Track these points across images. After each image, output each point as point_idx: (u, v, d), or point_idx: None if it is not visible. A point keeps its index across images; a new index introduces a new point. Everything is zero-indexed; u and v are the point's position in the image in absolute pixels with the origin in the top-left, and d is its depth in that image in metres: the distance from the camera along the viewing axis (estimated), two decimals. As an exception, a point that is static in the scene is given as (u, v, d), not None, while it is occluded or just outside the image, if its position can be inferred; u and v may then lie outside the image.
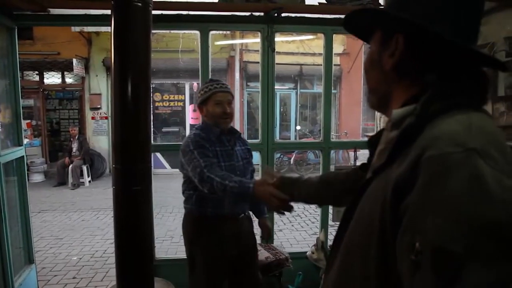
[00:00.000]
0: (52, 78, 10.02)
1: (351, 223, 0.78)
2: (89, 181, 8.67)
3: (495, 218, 0.55)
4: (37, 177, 8.89)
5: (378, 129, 3.32)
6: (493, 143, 0.61)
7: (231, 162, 2.12)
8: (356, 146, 3.40)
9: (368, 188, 0.75)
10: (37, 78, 9.87)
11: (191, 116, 10.30)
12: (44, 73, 9.83)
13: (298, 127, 10.77)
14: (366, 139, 3.53)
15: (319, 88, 10.07)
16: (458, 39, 0.69)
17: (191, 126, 10.36)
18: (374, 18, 0.82)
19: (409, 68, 0.74)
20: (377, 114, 3.39)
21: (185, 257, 3.37)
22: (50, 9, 2.77)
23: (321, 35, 3.13)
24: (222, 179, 1.85)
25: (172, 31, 7.64)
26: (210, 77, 3.06)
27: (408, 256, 0.59)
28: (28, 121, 9.28)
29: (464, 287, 0.53)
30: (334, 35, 3.10)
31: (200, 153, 1.97)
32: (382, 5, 2.93)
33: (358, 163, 3.31)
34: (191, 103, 10.34)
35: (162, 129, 10.56)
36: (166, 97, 10.47)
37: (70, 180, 8.20)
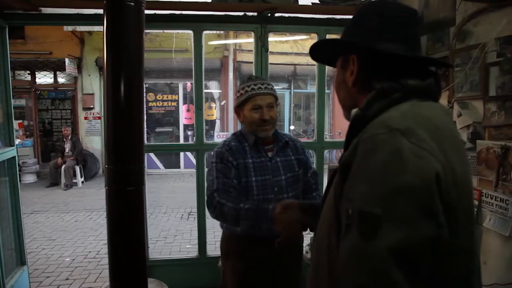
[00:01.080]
0: (44, 78, 9.95)
1: (323, 206, 0.91)
2: (82, 182, 8.62)
3: (408, 184, 0.65)
4: (29, 178, 8.81)
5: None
6: (423, 124, 0.73)
7: (266, 176, 1.82)
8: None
9: (335, 175, 0.87)
10: (29, 77, 9.80)
11: (185, 116, 10.28)
12: (36, 72, 9.75)
13: (292, 127, 10.78)
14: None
15: (312, 88, 10.09)
16: (399, 50, 0.84)
17: (185, 126, 10.34)
18: (333, 45, 1.00)
19: (365, 80, 0.88)
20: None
21: (179, 257, 3.39)
22: (42, 8, 2.75)
23: (315, 35, 3.14)
24: (234, 203, 1.67)
25: (165, 31, 7.61)
26: (203, 77, 3.06)
27: (344, 221, 0.71)
28: (20, 121, 9.20)
29: (378, 242, 0.64)
30: (327, 35, 3.11)
31: (219, 170, 1.79)
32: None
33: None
34: (184, 103, 10.31)
35: (156, 129, 10.53)
36: (159, 97, 10.43)
37: (63, 180, 8.14)
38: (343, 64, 0.94)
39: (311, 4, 2.85)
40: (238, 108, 1.88)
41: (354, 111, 0.89)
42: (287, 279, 1.88)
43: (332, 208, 0.80)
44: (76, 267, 4.00)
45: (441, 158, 0.70)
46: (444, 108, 0.88)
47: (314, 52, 1.05)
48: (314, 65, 3.21)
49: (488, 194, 2.08)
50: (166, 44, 8.74)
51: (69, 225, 5.55)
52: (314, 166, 3.38)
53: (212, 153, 1.91)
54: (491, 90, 2.08)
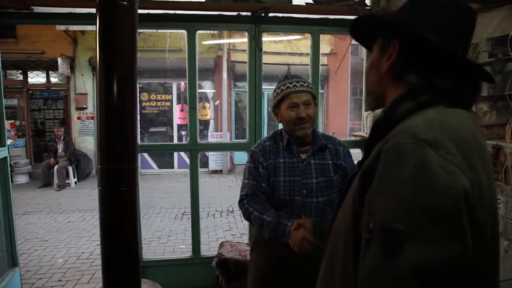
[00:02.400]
0: (36, 78, 9.85)
1: (339, 212, 0.87)
2: (75, 182, 8.56)
3: (436, 202, 0.62)
4: (21, 179, 8.72)
5: (365, 128, 3.36)
6: (449, 135, 0.68)
7: (295, 178, 1.79)
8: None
9: (353, 181, 0.82)
10: (20, 77, 9.70)
11: (179, 116, 10.25)
12: (28, 72, 9.65)
13: (286, 127, 10.78)
14: (353, 138, 3.57)
15: (306, 88, 10.09)
16: (448, 48, 0.76)
17: (179, 126, 10.32)
18: (376, 25, 0.90)
19: (400, 70, 0.82)
20: (364, 114, 3.42)
21: (173, 258, 3.38)
22: (34, 7, 2.73)
23: (309, 35, 3.15)
24: (260, 212, 1.73)
25: (159, 31, 7.58)
26: (197, 76, 3.05)
27: (365, 235, 0.68)
28: (12, 121, 9.12)
29: (402, 261, 0.61)
30: (321, 36, 3.12)
31: (251, 172, 1.83)
32: (368, 6, 2.96)
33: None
34: (178, 103, 10.28)
35: (149, 129, 10.49)
36: (153, 97, 10.39)
37: (56, 181, 8.08)
38: (382, 47, 0.86)
39: (304, 4, 2.85)
40: (275, 108, 1.86)
41: (377, 112, 0.85)
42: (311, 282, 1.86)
43: (350, 216, 0.77)
44: (69, 268, 3.97)
45: (469, 174, 0.66)
46: (472, 115, 0.80)
47: (356, 27, 0.96)
48: (308, 65, 3.21)
49: (480, 193, 2.09)
50: (160, 44, 8.72)
51: (62, 226, 5.50)
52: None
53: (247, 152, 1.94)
54: (483, 90, 2.10)
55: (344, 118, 10.54)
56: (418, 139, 0.66)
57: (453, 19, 0.80)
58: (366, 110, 3.43)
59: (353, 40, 1.04)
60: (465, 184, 0.64)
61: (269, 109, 1.95)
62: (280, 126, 1.92)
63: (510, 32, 1.88)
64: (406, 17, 0.83)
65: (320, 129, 10.12)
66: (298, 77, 1.85)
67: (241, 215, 1.88)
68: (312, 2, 2.87)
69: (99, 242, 1.88)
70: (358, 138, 3.44)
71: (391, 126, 0.74)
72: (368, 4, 3.00)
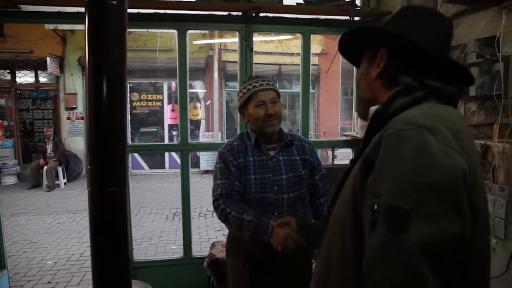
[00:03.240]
0: (24, 77, 9.72)
1: (336, 202, 0.90)
2: (65, 183, 8.47)
3: (437, 180, 0.66)
4: (10, 180, 8.61)
5: (356, 128, 3.38)
6: (445, 124, 0.73)
7: (266, 175, 1.82)
8: (334, 145, 3.44)
9: (351, 172, 0.86)
10: (8, 77, 9.56)
11: (170, 116, 10.20)
12: (16, 71, 9.52)
13: (277, 127, 10.79)
14: (344, 138, 3.58)
15: (297, 88, 10.12)
16: (436, 52, 0.84)
17: (170, 126, 10.27)
18: (365, 38, 0.97)
19: (390, 75, 0.88)
20: (354, 114, 3.44)
21: (164, 258, 3.36)
22: (21, 6, 2.69)
23: (299, 35, 3.16)
24: (239, 213, 1.71)
25: (149, 30, 7.54)
26: (188, 76, 3.04)
27: (369, 217, 0.71)
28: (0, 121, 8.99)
29: (408, 237, 0.64)
30: (312, 36, 3.13)
31: (222, 172, 1.83)
32: (358, 6, 2.98)
33: (336, 162, 3.35)
34: (169, 103, 10.24)
35: (140, 129, 10.43)
36: (144, 96, 10.33)
37: (45, 182, 7.98)
38: (370, 57, 0.93)
39: (295, 4, 2.86)
40: (242, 108, 1.89)
41: (373, 108, 0.89)
42: (294, 280, 1.83)
43: (349, 204, 0.80)
44: (59, 270, 3.92)
45: (465, 158, 0.71)
46: (460, 113, 0.89)
47: (345, 42, 1.01)
48: (299, 65, 3.22)
49: (468, 192, 2.12)
50: (150, 44, 8.66)
51: (52, 228, 5.44)
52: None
53: (218, 153, 1.93)
54: (472, 90, 2.12)
55: (335, 118, 10.58)
56: (418, 125, 0.71)
57: (437, 28, 0.89)
58: (356, 110, 3.45)
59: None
60: (463, 164, 0.69)
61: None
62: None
63: (497, 33, 1.91)
64: (396, 27, 0.89)
65: (311, 129, 10.17)
66: (262, 76, 1.90)
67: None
68: (303, 2, 2.88)
69: (89, 244, 1.86)
70: (349, 138, 3.46)
71: (387, 119, 0.78)
72: (359, 4, 3.02)
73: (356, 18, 2.96)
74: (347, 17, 2.88)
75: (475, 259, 0.74)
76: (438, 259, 0.65)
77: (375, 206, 0.69)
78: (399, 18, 0.94)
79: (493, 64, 1.96)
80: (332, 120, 10.53)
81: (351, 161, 0.94)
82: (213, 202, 1.83)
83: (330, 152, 3.33)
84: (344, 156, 6.55)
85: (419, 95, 0.81)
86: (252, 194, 1.81)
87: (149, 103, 10.38)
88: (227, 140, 1.99)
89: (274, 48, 9.77)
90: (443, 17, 0.95)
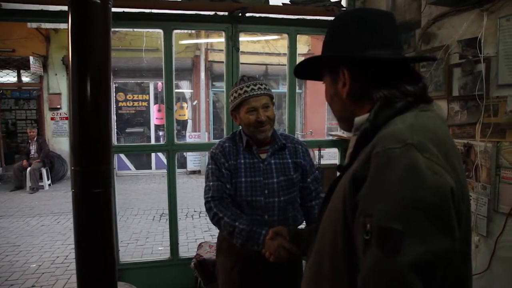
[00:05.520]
0: (6, 77, 9.54)
1: (324, 214, 0.91)
2: (49, 184, 8.33)
3: (427, 199, 0.67)
4: (-9, 182, 8.44)
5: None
6: (431, 138, 0.74)
7: (256, 178, 1.79)
8: (320, 145, 3.46)
9: (338, 184, 0.87)
10: (-10, 76, 9.38)
11: (156, 116, 10.13)
12: (-2, 71, 9.34)
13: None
14: (331, 138, 3.60)
15: (284, 88, 10.15)
16: (387, 55, 0.86)
17: (156, 126, 10.19)
18: (319, 63, 0.99)
19: (359, 90, 0.88)
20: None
21: (151, 260, 3.33)
22: (2, 3, 2.63)
23: (286, 36, 3.17)
24: (231, 219, 1.69)
25: (135, 30, 7.47)
26: (174, 76, 3.02)
27: (362, 236, 0.71)
28: (-19, 122, 8.81)
29: (401, 258, 0.65)
30: (298, 36, 3.14)
31: (213, 173, 1.80)
32: (344, 7, 3.00)
33: (323, 161, 3.38)
34: (155, 103, 10.16)
35: (126, 130, 10.32)
36: (129, 97, 10.23)
37: (28, 183, 7.84)
38: (332, 77, 0.93)
39: (281, 4, 2.87)
40: (234, 111, 1.84)
41: (359, 119, 0.88)
42: (283, 282, 1.83)
43: (339, 216, 0.80)
44: (43, 273, 3.85)
45: (452, 174, 0.72)
46: (442, 117, 0.90)
47: (299, 70, 1.05)
48: (285, 65, 3.23)
49: (452, 191, 2.16)
50: (136, 43, 8.58)
51: (35, 230, 5.34)
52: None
53: (209, 153, 1.90)
54: (454, 90, 2.16)
55: (321, 118, 10.65)
56: (405, 143, 0.71)
57: (381, 28, 0.89)
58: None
59: None
60: (451, 182, 0.70)
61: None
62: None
63: (478, 35, 1.95)
64: (342, 42, 0.90)
65: (298, 129, 10.21)
66: (254, 78, 1.82)
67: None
68: (289, 2, 2.89)
69: (74, 246, 1.83)
70: (335, 138, 3.49)
71: (374, 132, 0.80)
72: (344, 5, 3.04)
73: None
74: (333, 18, 2.90)
75: (456, 263, 0.75)
76: (431, 276, 0.66)
77: (368, 226, 0.70)
78: (339, 30, 0.93)
79: (475, 65, 1.99)
80: (319, 120, 10.60)
81: (339, 168, 0.94)
82: (205, 204, 1.81)
83: (316, 152, 3.35)
84: (330, 156, 6.60)
85: (401, 105, 0.82)
86: (243, 197, 1.79)
87: (135, 103, 10.29)
88: (215, 140, 1.97)
89: (261, 48, 9.78)
90: (382, 12, 0.94)
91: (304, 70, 1.05)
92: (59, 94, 9.25)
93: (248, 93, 1.75)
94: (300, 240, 1.47)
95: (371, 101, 0.86)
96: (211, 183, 1.80)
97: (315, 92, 10.61)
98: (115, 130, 9.55)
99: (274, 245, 1.53)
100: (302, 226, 1.89)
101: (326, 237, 0.87)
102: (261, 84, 1.79)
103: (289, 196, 1.83)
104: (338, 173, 0.97)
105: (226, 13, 2.93)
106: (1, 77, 9.49)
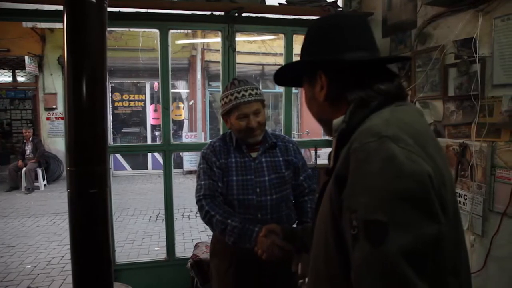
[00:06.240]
0: (1, 77, 9.50)
1: (317, 217, 0.92)
2: (45, 185, 8.29)
3: (407, 187, 0.69)
4: (-14, 182, 8.39)
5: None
6: (407, 130, 0.76)
7: (248, 176, 1.80)
8: (317, 145, 3.46)
9: (327, 187, 0.88)
10: (-16, 76, 9.31)
11: (152, 116, 10.11)
12: (-7, 71, 9.28)
13: (261, 127, 10.80)
14: (327, 138, 3.61)
15: (280, 88, 10.16)
16: (363, 57, 0.89)
17: (152, 126, 10.17)
18: (298, 68, 1.02)
19: (336, 93, 0.90)
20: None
21: (147, 260, 3.32)
22: (-3, 4, 2.62)
23: (282, 36, 3.17)
24: (223, 217, 1.69)
25: (131, 30, 7.45)
26: (170, 76, 3.01)
27: (349, 231, 0.73)
28: (-24, 122, 8.75)
29: (388, 247, 0.66)
30: (294, 36, 3.14)
31: (205, 172, 1.81)
32: (340, 7, 3.01)
33: (319, 161, 3.38)
34: (152, 103, 10.14)
35: (122, 130, 10.28)
36: (126, 96, 10.20)
37: (24, 184, 7.80)
38: (310, 82, 0.96)
39: (278, 4, 2.87)
40: (225, 116, 1.83)
41: (336, 121, 0.91)
42: (278, 284, 1.83)
43: (329, 217, 0.82)
44: (39, 274, 3.84)
45: (429, 161, 0.74)
46: (419, 110, 0.92)
47: (278, 77, 1.08)
48: (282, 65, 3.23)
49: (448, 190, 2.17)
50: (132, 43, 8.56)
51: (31, 231, 5.32)
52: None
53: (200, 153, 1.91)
54: (450, 90, 2.17)
55: (318, 118, 10.63)
56: (380, 136, 0.73)
57: (355, 31, 0.92)
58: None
59: None
60: (428, 169, 0.72)
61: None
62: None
63: (474, 35, 1.96)
64: (318, 47, 0.93)
65: (295, 129, 10.21)
66: (246, 82, 1.80)
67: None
68: (285, 2, 2.89)
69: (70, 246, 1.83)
70: (331, 138, 3.49)
71: (351, 132, 0.81)
72: (340, 5, 3.04)
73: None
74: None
75: (449, 251, 0.77)
76: (422, 262, 0.68)
77: (354, 221, 0.71)
78: (315, 35, 0.96)
79: (470, 65, 2.00)
80: (315, 120, 10.59)
81: (327, 172, 0.96)
82: (196, 202, 1.81)
83: (313, 152, 3.35)
84: (327, 156, 6.61)
85: (375, 104, 0.85)
86: (234, 196, 1.79)
87: (131, 103, 10.26)
88: (210, 141, 1.97)
89: (257, 48, 9.78)
90: (356, 16, 0.98)
91: (284, 77, 1.10)
92: (55, 94, 9.20)
93: (239, 99, 1.73)
94: (294, 238, 1.47)
95: (347, 103, 0.88)
96: (202, 182, 1.81)
97: (311, 92, 10.62)
98: (111, 130, 9.53)
99: (267, 243, 1.52)
100: (299, 225, 1.90)
101: (320, 241, 0.88)
102: (252, 90, 1.76)
103: (281, 194, 1.84)
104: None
105: (223, 13, 2.92)
106: (-4, 77, 9.44)
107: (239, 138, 1.84)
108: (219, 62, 3.15)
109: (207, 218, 1.76)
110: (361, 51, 0.90)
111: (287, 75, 1.08)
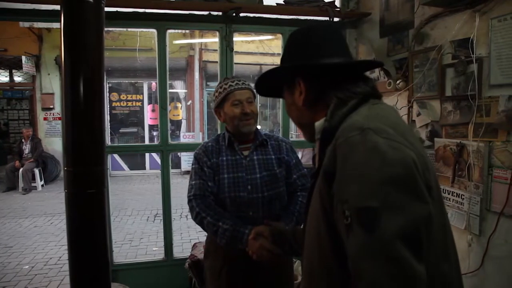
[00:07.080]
0: (-2, 76, 9.46)
1: (307, 218, 0.96)
2: (42, 185, 8.27)
3: (394, 173, 0.72)
4: (-17, 182, 8.36)
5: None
6: (386, 122, 0.81)
7: (239, 174, 1.81)
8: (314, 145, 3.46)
9: (315, 187, 0.91)
10: (-19, 76, 9.28)
11: (150, 117, 10.09)
12: (-11, 71, 9.26)
13: (259, 127, 10.80)
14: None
15: (279, 88, 10.13)
16: (339, 61, 0.96)
17: (150, 126, 10.15)
18: (277, 76, 1.07)
19: (314, 97, 0.97)
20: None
21: (145, 260, 3.32)
22: (-6, 3, 2.61)
23: (280, 36, 3.17)
24: (214, 219, 1.71)
25: (128, 29, 7.43)
26: (168, 76, 3.01)
27: (343, 222, 0.75)
28: (-27, 122, 8.72)
29: (383, 232, 0.68)
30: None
31: (196, 172, 1.84)
32: (338, 7, 3.01)
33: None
34: (149, 103, 10.12)
35: (120, 130, 10.27)
36: (123, 96, 10.19)
37: (21, 184, 7.78)
38: (289, 89, 1.02)
39: (275, 4, 2.87)
40: (218, 108, 1.87)
41: (318, 123, 0.96)
42: (271, 284, 1.84)
43: (320, 215, 0.84)
44: (36, 275, 3.83)
45: (411, 148, 0.78)
46: (393, 107, 0.99)
47: (260, 86, 1.14)
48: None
49: (445, 190, 2.17)
50: (130, 43, 8.53)
51: (28, 231, 5.30)
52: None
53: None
54: (447, 90, 2.18)
55: (316, 117, 10.63)
56: (363, 129, 0.78)
57: (329, 39, 1.00)
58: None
59: None
60: (411, 154, 0.76)
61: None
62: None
63: (471, 36, 1.96)
64: (297, 56, 1.00)
65: (293, 129, 10.20)
66: (237, 77, 1.91)
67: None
68: (283, 3, 2.89)
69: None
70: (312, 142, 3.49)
71: (334, 131, 0.86)
72: (338, 5, 3.05)
73: (336, 19, 2.99)
74: (326, 18, 2.91)
75: (437, 233, 0.80)
76: (417, 243, 0.70)
77: (346, 212, 0.73)
78: (293, 47, 1.03)
79: (467, 65, 2.01)
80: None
81: (312, 176, 0.98)
82: (187, 202, 1.83)
83: (312, 152, 3.35)
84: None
85: (354, 103, 0.90)
86: (226, 193, 1.80)
87: (129, 103, 10.24)
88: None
89: (255, 48, 9.78)
90: (328, 26, 1.06)
91: (265, 88, 1.16)
92: (52, 94, 9.18)
93: (233, 86, 1.82)
94: (283, 240, 1.48)
95: (326, 105, 0.93)
96: (193, 182, 1.84)
97: (309, 92, 10.63)
98: (109, 130, 9.51)
99: (256, 245, 1.56)
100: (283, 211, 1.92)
101: (313, 239, 0.90)
102: (244, 81, 1.87)
103: (274, 191, 1.85)
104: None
105: (220, 13, 2.92)
106: (-7, 77, 9.41)
107: (233, 128, 1.85)
108: (217, 62, 3.15)
109: (198, 219, 1.79)
110: (336, 57, 0.96)
111: (268, 84, 1.13)
